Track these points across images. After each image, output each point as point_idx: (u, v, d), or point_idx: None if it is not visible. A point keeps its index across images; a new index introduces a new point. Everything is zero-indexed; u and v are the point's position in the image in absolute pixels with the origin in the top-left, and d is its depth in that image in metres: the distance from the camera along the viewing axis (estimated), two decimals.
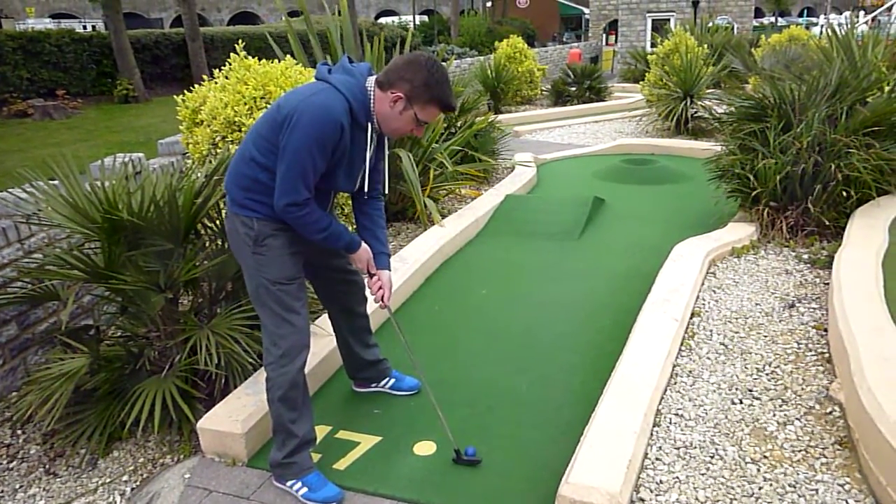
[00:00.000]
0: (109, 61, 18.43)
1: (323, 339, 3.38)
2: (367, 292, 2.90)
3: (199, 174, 3.39)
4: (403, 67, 2.36)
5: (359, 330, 3.05)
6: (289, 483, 2.58)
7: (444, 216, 5.63)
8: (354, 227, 2.81)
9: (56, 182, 3.18)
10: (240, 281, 3.34)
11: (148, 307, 3.04)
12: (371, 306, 3.08)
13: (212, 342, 2.91)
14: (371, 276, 2.73)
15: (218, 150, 4.22)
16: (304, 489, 2.55)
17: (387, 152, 2.67)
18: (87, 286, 3.55)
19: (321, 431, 2.92)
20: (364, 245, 2.66)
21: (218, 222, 3.34)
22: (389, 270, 2.78)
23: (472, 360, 3.57)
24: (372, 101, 2.41)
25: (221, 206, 3.31)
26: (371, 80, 2.42)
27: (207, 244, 3.35)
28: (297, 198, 2.34)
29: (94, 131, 13.67)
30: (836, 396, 2.93)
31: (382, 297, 2.73)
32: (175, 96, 4.75)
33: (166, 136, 5.74)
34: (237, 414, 2.84)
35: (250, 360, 2.99)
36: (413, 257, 4.62)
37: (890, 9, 28.21)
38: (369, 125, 2.45)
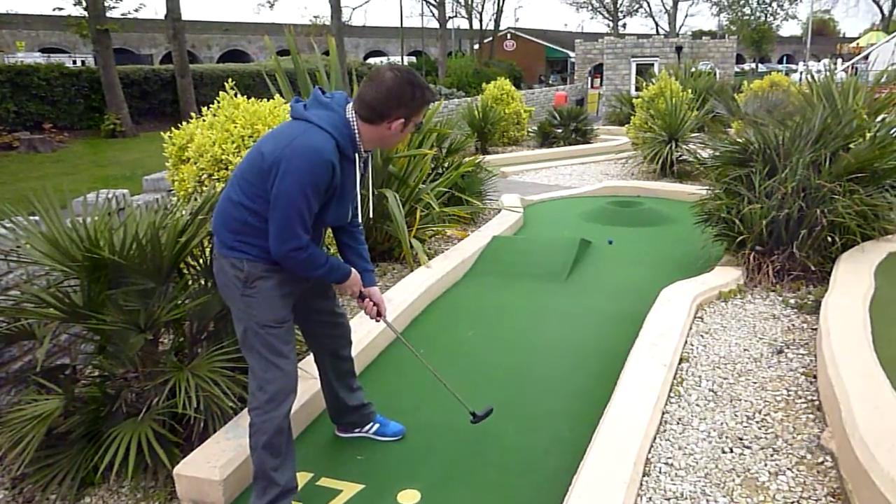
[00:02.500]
0: (98, 96, 18.44)
1: (306, 382, 3.30)
2: (353, 333, 2.86)
3: (183, 212, 3.34)
4: (388, 97, 2.35)
5: (343, 373, 2.99)
6: None
7: (430, 257, 5.59)
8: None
9: (36, 217, 3.13)
10: (222, 321, 3.28)
11: (127, 347, 2.96)
12: (355, 349, 3.02)
13: (191, 384, 2.83)
14: (361, 298, 2.75)
15: (204, 188, 4.18)
16: None
17: (369, 174, 2.65)
18: (64, 324, 3.47)
19: (302, 478, 2.83)
20: (354, 270, 2.67)
21: (202, 261, 3.28)
22: (376, 286, 2.82)
23: (458, 403, 3.49)
24: (356, 131, 2.40)
25: (206, 244, 3.27)
26: (350, 110, 2.40)
27: (190, 283, 3.29)
28: (299, 242, 2.34)
29: (79, 165, 13.59)
30: (827, 445, 2.89)
31: (378, 312, 2.79)
32: (162, 133, 4.73)
33: (152, 172, 5.70)
34: (215, 459, 2.75)
35: (230, 403, 2.91)
36: (399, 298, 4.57)
37: (867, 57, 28.96)
38: (356, 155, 2.44)
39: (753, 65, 47.87)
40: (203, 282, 3.26)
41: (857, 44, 39.72)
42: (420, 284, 4.89)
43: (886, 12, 52.49)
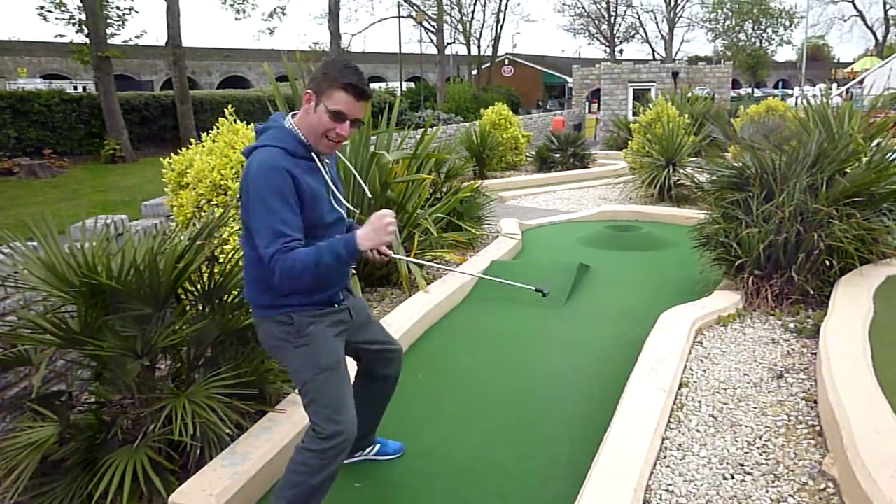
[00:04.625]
0: (98, 121, 18.56)
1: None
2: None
3: (182, 237, 3.35)
4: (312, 76, 2.37)
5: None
6: None
7: (429, 282, 5.59)
8: None
9: (35, 243, 3.12)
10: (219, 347, 3.27)
11: (123, 374, 2.94)
12: (353, 373, 3.00)
13: (188, 411, 2.81)
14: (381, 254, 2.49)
15: (202, 214, 4.19)
16: None
17: (329, 174, 2.53)
18: (61, 350, 3.45)
19: None
20: (348, 237, 2.30)
21: (199, 287, 3.28)
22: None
23: (457, 430, 3.48)
24: (299, 132, 2.37)
25: (203, 269, 3.26)
26: (289, 120, 2.40)
27: (188, 309, 3.28)
28: (283, 242, 2.20)
29: (78, 190, 13.63)
30: (829, 472, 2.87)
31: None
32: (162, 158, 4.75)
33: (151, 197, 5.71)
34: (211, 487, 2.72)
35: (227, 430, 2.89)
36: (397, 324, 4.55)
37: (862, 81, 29.23)
38: (312, 154, 2.40)
39: (749, 90, 48.28)
40: (201, 307, 3.26)
41: (852, 69, 40.11)
42: (418, 309, 4.87)
43: (880, 38, 53.10)
